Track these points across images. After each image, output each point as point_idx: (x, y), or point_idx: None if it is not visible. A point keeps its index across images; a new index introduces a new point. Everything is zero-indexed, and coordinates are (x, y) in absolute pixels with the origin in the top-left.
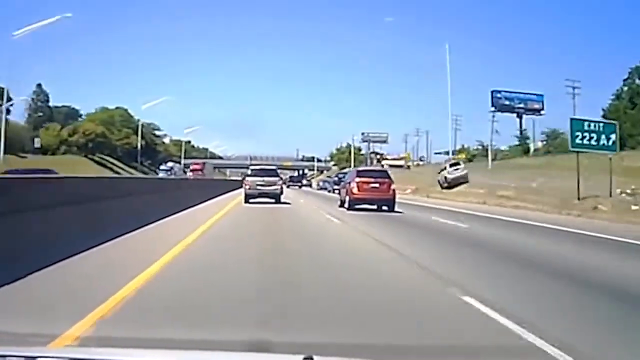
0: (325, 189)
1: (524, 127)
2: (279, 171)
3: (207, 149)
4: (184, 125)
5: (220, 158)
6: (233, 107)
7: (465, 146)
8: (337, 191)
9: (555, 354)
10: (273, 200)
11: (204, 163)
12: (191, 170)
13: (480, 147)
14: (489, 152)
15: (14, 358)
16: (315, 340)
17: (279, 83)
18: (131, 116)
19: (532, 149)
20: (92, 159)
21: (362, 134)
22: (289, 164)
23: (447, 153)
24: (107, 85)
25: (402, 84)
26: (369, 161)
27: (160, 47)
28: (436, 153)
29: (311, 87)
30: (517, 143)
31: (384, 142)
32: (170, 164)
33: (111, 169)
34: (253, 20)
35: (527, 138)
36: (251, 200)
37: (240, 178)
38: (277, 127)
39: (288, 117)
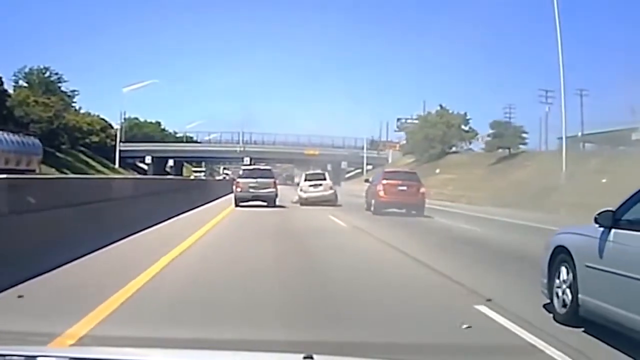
0: None
1: None
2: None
3: (190, 137)
4: (185, 120)
5: (196, 142)
6: (234, 103)
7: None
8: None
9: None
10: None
11: None
12: None
13: None
14: None
15: (14, 357)
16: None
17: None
18: None
19: None
20: None
21: (398, 120)
22: (315, 152)
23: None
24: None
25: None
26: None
27: (160, 40)
28: (560, 138)
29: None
30: None
31: None
32: None
33: None
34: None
35: None
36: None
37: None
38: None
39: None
